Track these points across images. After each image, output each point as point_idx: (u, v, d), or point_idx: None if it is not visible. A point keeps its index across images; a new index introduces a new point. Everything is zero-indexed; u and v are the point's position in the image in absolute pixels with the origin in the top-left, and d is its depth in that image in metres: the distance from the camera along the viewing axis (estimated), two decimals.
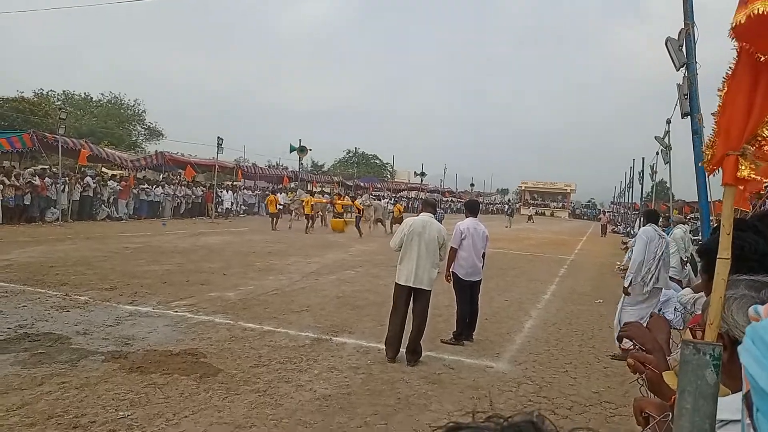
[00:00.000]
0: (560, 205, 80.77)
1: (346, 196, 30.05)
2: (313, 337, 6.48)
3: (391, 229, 23.57)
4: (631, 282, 6.62)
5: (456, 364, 5.86)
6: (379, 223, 23.27)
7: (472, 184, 68.16)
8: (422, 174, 51.70)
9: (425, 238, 5.92)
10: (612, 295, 10.82)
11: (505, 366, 5.96)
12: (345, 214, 24.52)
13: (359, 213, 22.03)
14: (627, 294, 6.71)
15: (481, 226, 7.08)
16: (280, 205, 24.38)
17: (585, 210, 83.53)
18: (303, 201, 23.25)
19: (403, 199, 55.16)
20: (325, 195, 33.09)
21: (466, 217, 7.19)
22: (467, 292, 6.93)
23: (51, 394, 4.33)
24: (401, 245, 5.97)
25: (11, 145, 19.69)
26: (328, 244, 17.44)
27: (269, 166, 45.19)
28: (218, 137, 25.97)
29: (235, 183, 31.69)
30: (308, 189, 32.38)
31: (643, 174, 31.45)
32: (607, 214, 44.23)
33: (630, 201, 42.63)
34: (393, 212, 25.20)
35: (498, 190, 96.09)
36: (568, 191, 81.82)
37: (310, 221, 22.19)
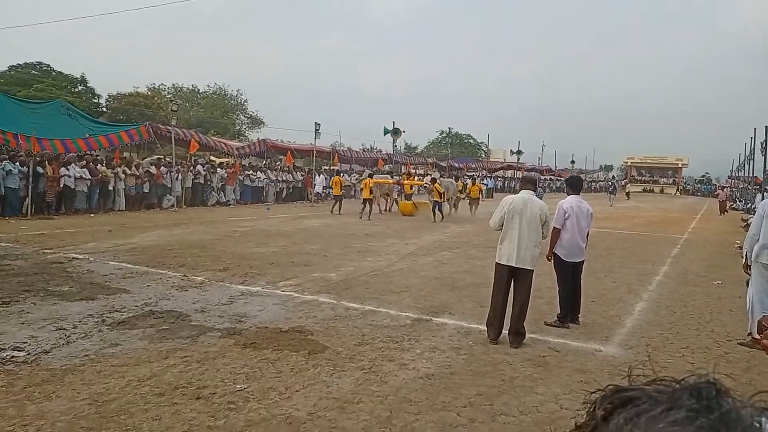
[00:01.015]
0: (671, 180, 75.50)
1: (416, 176, 27.47)
2: (413, 317, 6.54)
3: (471, 210, 21.47)
4: (746, 259, 6.13)
5: (562, 347, 5.68)
6: (450, 204, 21.00)
7: (572, 161, 65.39)
8: (518, 152, 50.25)
9: (526, 216, 5.74)
10: (732, 276, 10.02)
11: (614, 350, 5.70)
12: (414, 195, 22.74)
13: (440, 197, 19.11)
14: (747, 273, 6.21)
15: (585, 204, 6.73)
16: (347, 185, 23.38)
17: (699, 186, 77.63)
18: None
19: (499, 179, 54.19)
20: (395, 175, 29.39)
21: (568, 195, 6.86)
22: (569, 274, 6.64)
23: (175, 366, 4.69)
24: (501, 224, 5.84)
25: (130, 138, 21.40)
26: (424, 226, 17.46)
27: (364, 150, 45.86)
28: (315, 123, 26.75)
29: (332, 167, 32.48)
30: (404, 171, 31.75)
31: (766, 144, 28.65)
32: (725, 190, 40.77)
33: (750, 174, 39.07)
34: (468, 191, 22.55)
35: (601, 166, 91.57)
36: (680, 166, 76.16)
37: (366, 205, 19.32)
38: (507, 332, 5.71)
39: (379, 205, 21.93)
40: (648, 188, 71.77)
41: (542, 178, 52.51)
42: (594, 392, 0.56)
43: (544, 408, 4.16)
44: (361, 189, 21.02)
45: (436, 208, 18.89)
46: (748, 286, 6.37)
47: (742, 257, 6.43)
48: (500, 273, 5.82)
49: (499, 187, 48.88)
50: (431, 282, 8.69)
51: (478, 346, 5.59)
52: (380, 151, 44.61)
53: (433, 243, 13.41)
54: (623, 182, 62.21)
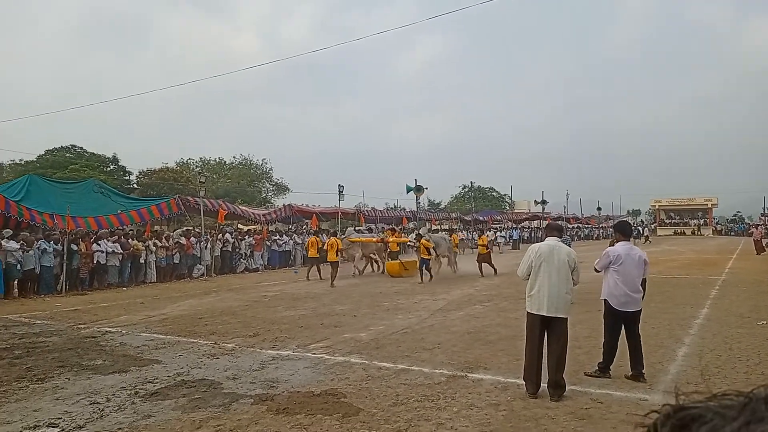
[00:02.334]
0: (701, 221, 73.99)
1: (400, 232, 24.40)
2: (447, 374, 6.38)
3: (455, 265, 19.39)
4: None
5: (605, 397, 5.46)
6: (445, 261, 19.26)
7: (598, 208, 64.74)
8: (543, 202, 49.89)
9: (555, 263, 5.64)
10: None
11: (661, 398, 5.43)
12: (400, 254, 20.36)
13: (428, 255, 17.16)
14: None
15: (636, 250, 6.38)
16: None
17: (732, 225, 75.84)
18: (352, 241, 19.52)
19: (526, 229, 53.74)
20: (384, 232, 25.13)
21: (617, 241, 6.56)
22: (619, 323, 6.25)
23: None
24: (529, 273, 5.75)
25: (160, 212, 21.95)
26: (453, 281, 17.27)
27: (387, 209, 46.18)
28: (339, 185, 27.17)
29: (357, 228, 32.67)
30: (387, 227, 28.09)
31: None
32: (759, 228, 39.57)
33: None
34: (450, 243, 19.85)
35: (628, 211, 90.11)
36: (709, 206, 74.77)
37: (334, 269, 16.79)
38: (546, 385, 5.52)
39: (356, 267, 20.06)
40: (679, 231, 70.39)
41: (569, 226, 51.97)
42: (648, 414, 0.52)
43: None
44: (306, 247, 19.17)
45: (423, 267, 16.97)
46: None
47: None
48: (532, 323, 5.68)
49: (525, 238, 48.43)
50: (464, 337, 8.52)
51: (517, 401, 5.40)
52: (404, 209, 44.84)
53: (462, 297, 13.22)
54: (654, 225, 61.23)
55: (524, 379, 5.63)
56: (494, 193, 75.44)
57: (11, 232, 15.38)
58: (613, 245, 6.61)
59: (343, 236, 20.15)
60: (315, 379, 6.31)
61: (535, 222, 56.17)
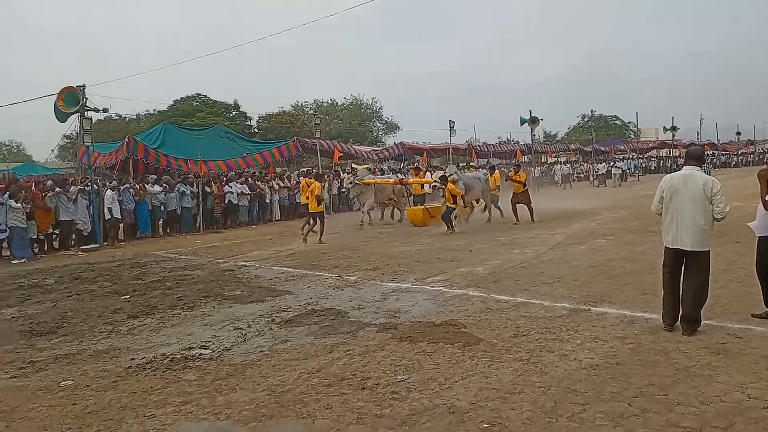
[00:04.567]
0: None
1: (426, 172, 20.76)
2: (569, 307, 6.29)
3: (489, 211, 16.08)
4: None
5: (744, 332, 5.12)
6: (478, 204, 16.50)
7: (738, 133, 58.53)
8: (673, 128, 45.86)
9: (688, 194, 5.21)
10: None
11: None
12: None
13: (454, 202, 13.92)
14: None
15: None
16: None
17: None
18: (365, 183, 16.60)
19: (653, 159, 50.13)
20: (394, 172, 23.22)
21: None
22: None
23: (340, 359, 4.97)
24: (662, 205, 5.42)
25: (281, 154, 23.10)
26: (571, 214, 16.66)
27: (500, 142, 44.92)
28: (450, 120, 26.86)
29: (471, 164, 32.28)
30: (412, 165, 24.71)
31: None
32: None
33: None
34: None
35: None
36: None
37: (310, 222, 13.43)
38: (679, 321, 5.28)
39: (367, 213, 16.66)
40: None
41: (705, 153, 47.56)
42: None
43: (728, 398, 3.78)
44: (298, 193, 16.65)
45: (450, 216, 13.89)
46: None
47: None
48: (667, 256, 5.41)
49: (653, 168, 45.29)
50: (586, 271, 8.30)
51: (645, 334, 5.23)
52: (518, 142, 43.41)
53: (583, 231, 12.79)
54: None
55: (662, 310, 5.38)
56: (617, 122, 70.62)
57: (155, 177, 16.97)
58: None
59: (355, 178, 17.06)
60: (435, 310, 6.50)
61: (664, 151, 52.10)
